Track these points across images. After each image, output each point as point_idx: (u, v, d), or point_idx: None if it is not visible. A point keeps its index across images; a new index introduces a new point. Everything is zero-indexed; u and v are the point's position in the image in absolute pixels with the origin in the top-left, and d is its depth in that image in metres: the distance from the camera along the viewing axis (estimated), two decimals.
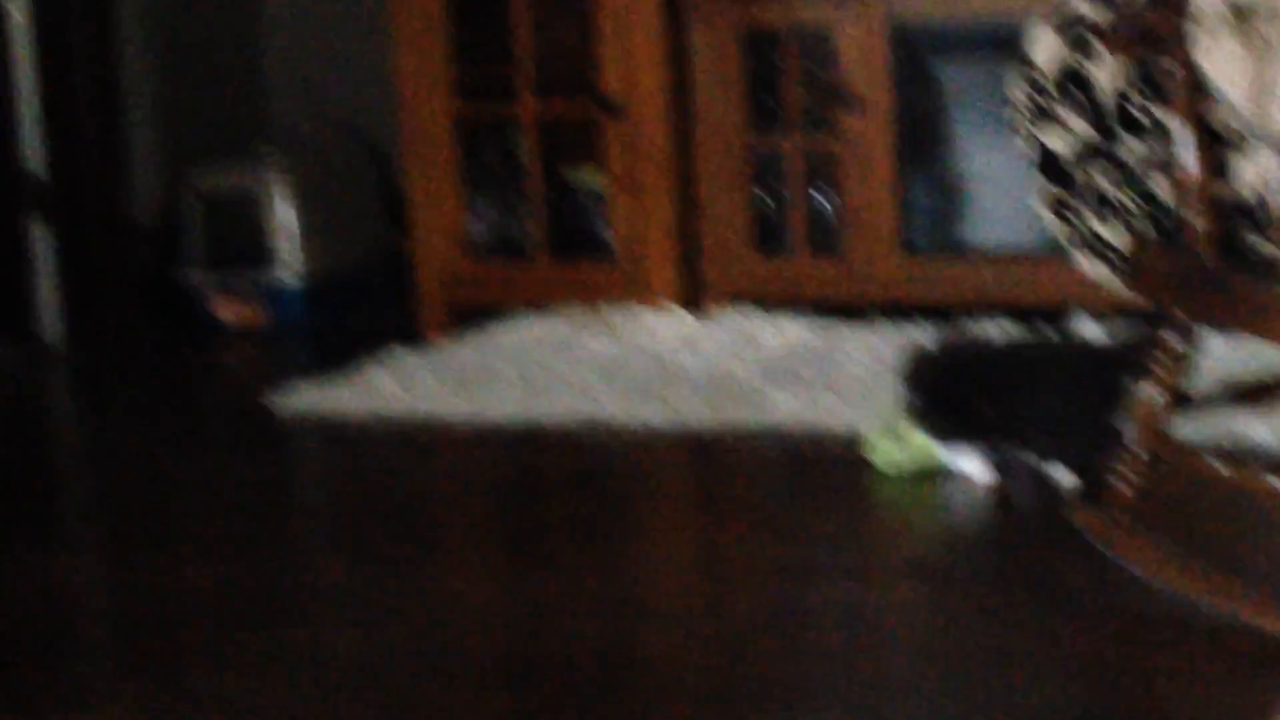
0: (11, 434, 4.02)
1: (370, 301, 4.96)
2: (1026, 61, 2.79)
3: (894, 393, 3.37)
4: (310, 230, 4.84)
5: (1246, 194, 2.54)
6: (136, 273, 4.79)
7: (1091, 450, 3.13)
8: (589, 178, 4.60)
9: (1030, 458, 3.19)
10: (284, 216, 4.81)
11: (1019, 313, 4.13)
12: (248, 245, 4.84)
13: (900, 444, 3.33)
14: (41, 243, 4.68)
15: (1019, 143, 2.86)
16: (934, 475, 3.30)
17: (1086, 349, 3.38)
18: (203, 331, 4.80)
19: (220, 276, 4.83)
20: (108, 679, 2.72)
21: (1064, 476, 3.21)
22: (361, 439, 3.81)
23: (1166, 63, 2.57)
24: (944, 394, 3.22)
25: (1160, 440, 2.76)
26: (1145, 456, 2.78)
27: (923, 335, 4.11)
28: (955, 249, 4.34)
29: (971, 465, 3.25)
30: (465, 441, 3.76)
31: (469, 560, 3.14)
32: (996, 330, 3.95)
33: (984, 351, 3.36)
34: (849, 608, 2.77)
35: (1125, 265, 2.76)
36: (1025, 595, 2.76)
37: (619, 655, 2.64)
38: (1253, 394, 2.99)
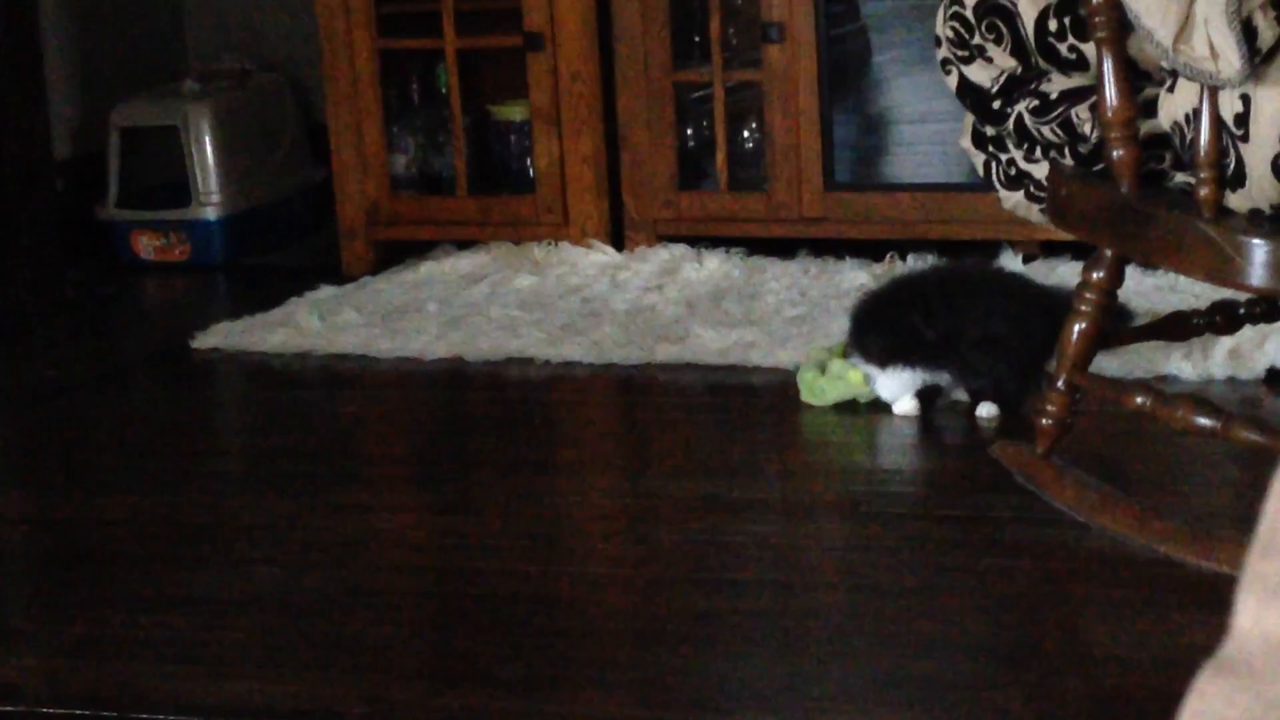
0: None
1: (292, 237, 4.92)
2: None
3: (831, 326, 3.37)
4: (231, 165, 4.80)
5: (1167, 127, 2.54)
6: (55, 208, 4.73)
7: (1024, 378, 3.15)
8: (512, 111, 4.57)
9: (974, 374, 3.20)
10: (204, 151, 4.77)
11: (944, 248, 4.13)
12: (168, 180, 4.79)
13: (827, 375, 3.33)
14: None
15: (943, 77, 2.84)
16: (858, 405, 3.31)
17: (1032, 281, 3.39)
18: (122, 267, 4.75)
19: (140, 211, 4.78)
20: (23, 617, 2.70)
21: (987, 407, 3.22)
22: (283, 376, 3.79)
23: None
24: (884, 320, 3.22)
25: (1084, 374, 2.76)
26: (1068, 390, 2.78)
27: (862, 271, 4.11)
28: (880, 184, 4.33)
29: (896, 393, 3.25)
30: (389, 378, 3.74)
31: (391, 497, 3.12)
32: (937, 262, 3.94)
33: (929, 277, 3.36)
34: (773, 543, 2.77)
35: (1047, 199, 2.76)
36: (950, 530, 2.76)
37: (541, 591, 2.63)
38: (1172, 328, 3.00)
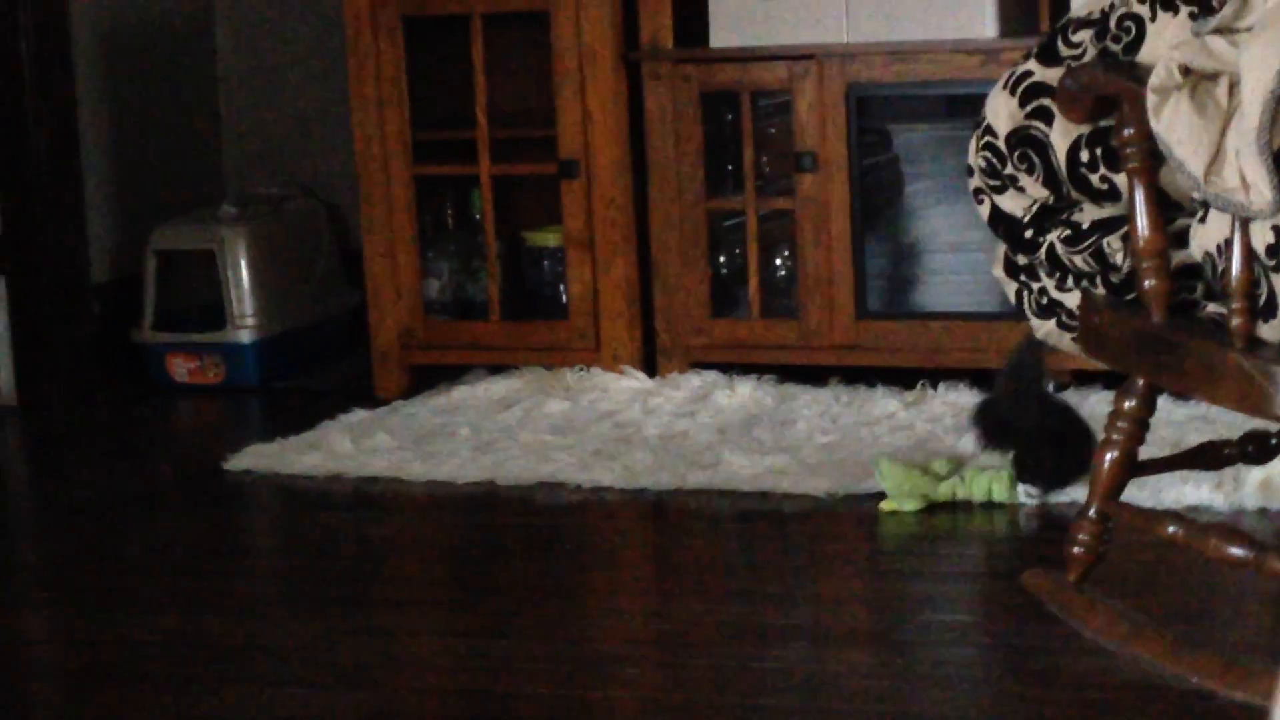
0: None
1: (326, 360, 4.94)
2: (983, 125, 2.80)
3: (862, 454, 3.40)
4: (266, 288, 4.83)
5: (1199, 257, 2.55)
6: (91, 329, 4.76)
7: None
8: (546, 237, 4.60)
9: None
10: (240, 275, 4.80)
11: (975, 377, 4.13)
12: (205, 303, 4.82)
13: (922, 477, 3.43)
14: None
15: (975, 206, 2.86)
16: (882, 531, 3.31)
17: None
18: (157, 389, 4.77)
19: (175, 334, 4.81)
20: None
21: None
22: (315, 498, 3.79)
23: (1120, 125, 2.58)
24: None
25: (1115, 503, 2.76)
26: (1100, 519, 2.78)
27: (893, 399, 4.11)
28: (910, 312, 4.35)
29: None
30: (420, 501, 3.74)
31: (421, 620, 3.11)
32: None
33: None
34: (803, 671, 2.76)
35: (1079, 328, 2.76)
36: (981, 658, 2.75)
37: (570, 717, 2.62)
38: (1204, 458, 2.99)
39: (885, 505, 3.45)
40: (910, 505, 3.44)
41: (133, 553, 3.55)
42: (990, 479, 3.46)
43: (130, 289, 4.90)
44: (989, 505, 3.43)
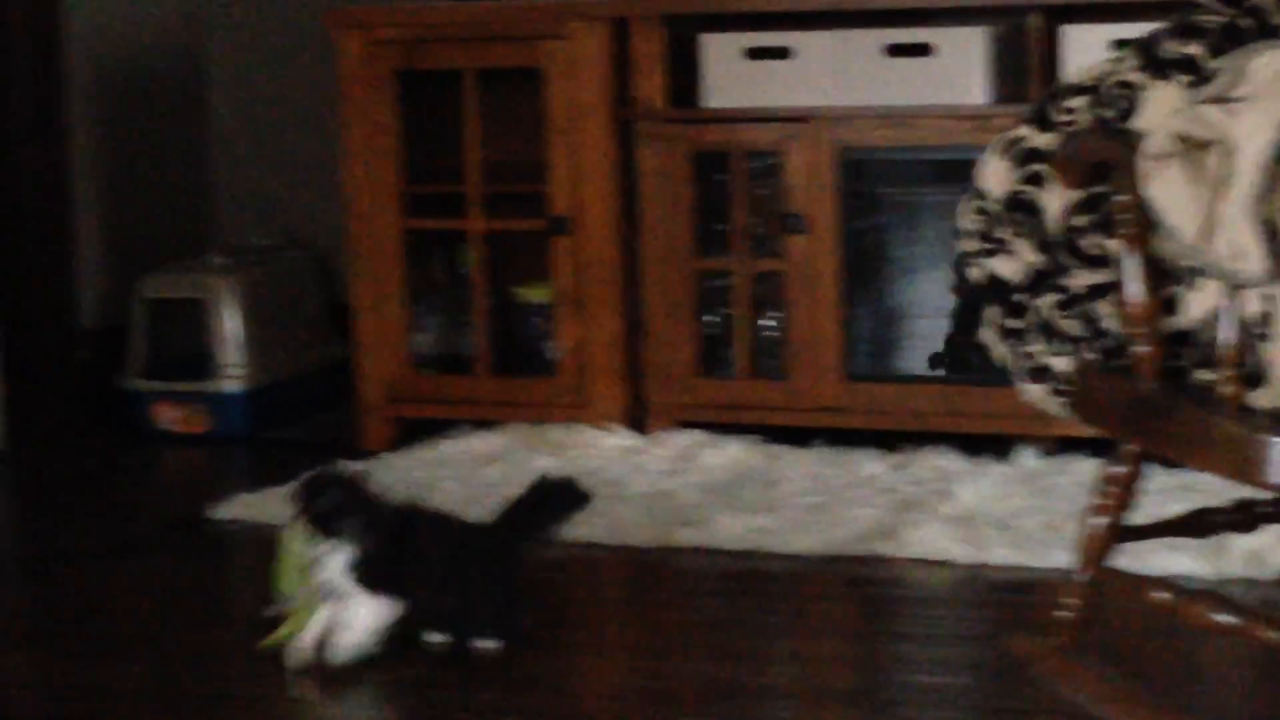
0: None
1: (312, 411, 4.94)
2: (976, 187, 2.82)
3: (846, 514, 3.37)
4: (255, 339, 4.83)
5: (1189, 325, 2.56)
6: (80, 377, 4.76)
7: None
8: (535, 293, 4.61)
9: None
10: (229, 324, 4.80)
11: (960, 441, 4.14)
12: (192, 352, 4.82)
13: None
14: None
15: (967, 269, 2.87)
16: (876, 594, 3.31)
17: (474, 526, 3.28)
18: (144, 437, 4.77)
19: (163, 383, 4.81)
20: None
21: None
22: None
23: (1114, 192, 2.59)
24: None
25: (1103, 569, 2.76)
26: (1087, 585, 2.78)
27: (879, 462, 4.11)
28: (897, 375, 4.36)
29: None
30: None
31: (407, 671, 3.11)
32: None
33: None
34: None
35: (1071, 393, 2.77)
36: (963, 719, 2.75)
37: None
38: (1192, 525, 3.00)
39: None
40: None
41: (114, 600, 3.54)
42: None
43: (119, 336, 4.90)
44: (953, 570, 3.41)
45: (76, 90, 4.94)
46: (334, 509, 3.04)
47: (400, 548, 3.07)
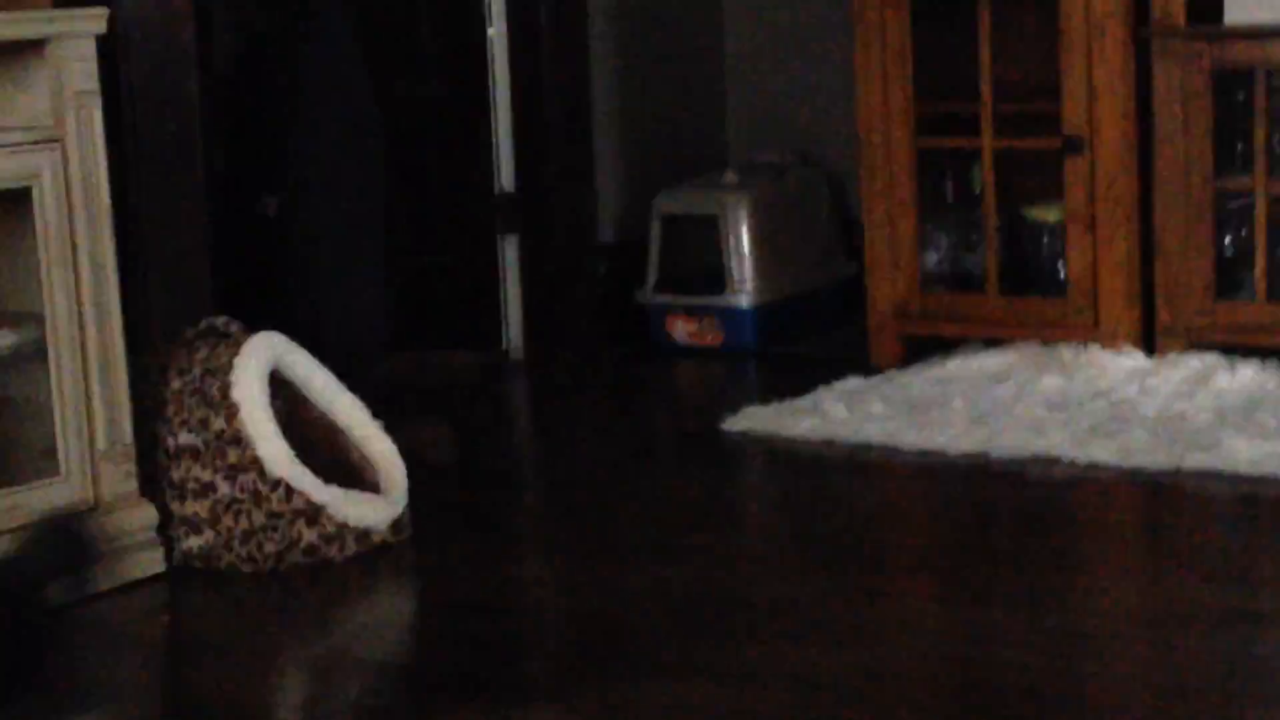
0: (473, 443, 4.15)
1: (821, 327, 5.01)
2: None
3: None
4: (766, 255, 4.91)
5: None
6: (597, 290, 4.92)
7: None
8: (1045, 213, 4.58)
9: None
10: (741, 241, 4.89)
11: None
12: (705, 268, 4.93)
13: None
14: (511, 258, 4.87)
15: None
16: None
17: None
18: (657, 349, 4.90)
19: (677, 297, 4.93)
20: (558, 678, 2.82)
21: None
22: (809, 461, 3.86)
23: None
24: None
25: None
26: None
27: None
28: None
29: None
30: (911, 469, 3.78)
31: (913, 585, 3.15)
32: None
33: None
34: None
35: None
36: None
37: (1056, 690, 2.63)
38: None
39: None
40: None
41: (630, 506, 3.66)
42: None
43: (635, 251, 5.04)
44: None
45: (598, 18, 5.08)
46: None
47: None
